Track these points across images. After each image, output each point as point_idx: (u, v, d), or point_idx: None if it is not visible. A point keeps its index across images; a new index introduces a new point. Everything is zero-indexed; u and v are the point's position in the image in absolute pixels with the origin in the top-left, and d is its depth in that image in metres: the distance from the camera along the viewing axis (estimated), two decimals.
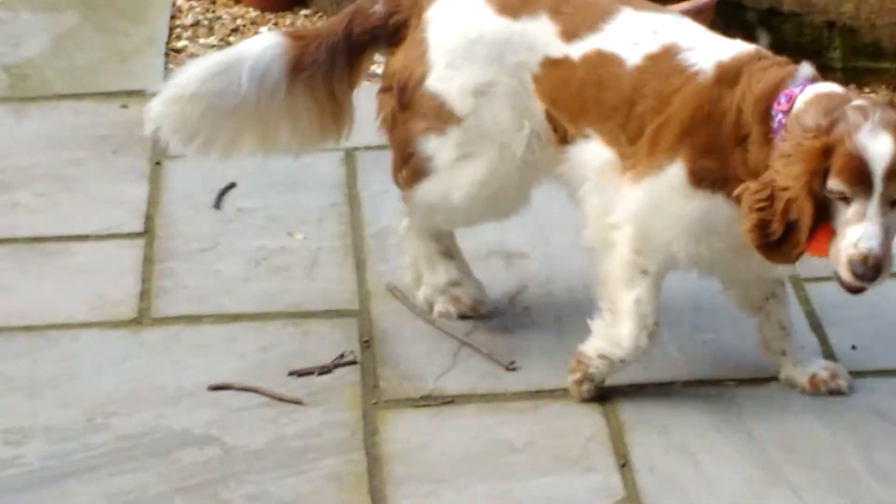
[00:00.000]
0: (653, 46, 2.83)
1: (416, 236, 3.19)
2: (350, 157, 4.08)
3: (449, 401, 3.12)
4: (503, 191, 3.05)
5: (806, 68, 2.81)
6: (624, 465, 2.91)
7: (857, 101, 2.77)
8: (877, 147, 2.61)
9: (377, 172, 3.95)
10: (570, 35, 2.87)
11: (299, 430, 3.02)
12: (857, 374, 3.13)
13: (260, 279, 3.54)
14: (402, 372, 3.19)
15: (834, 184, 2.59)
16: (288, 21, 4.74)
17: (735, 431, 3.05)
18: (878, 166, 2.59)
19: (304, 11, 4.77)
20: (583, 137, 2.88)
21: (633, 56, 2.83)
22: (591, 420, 2.97)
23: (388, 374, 3.20)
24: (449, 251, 3.23)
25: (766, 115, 2.74)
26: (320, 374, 3.21)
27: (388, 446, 2.97)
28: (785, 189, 2.62)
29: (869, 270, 2.61)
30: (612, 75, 2.82)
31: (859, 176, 2.59)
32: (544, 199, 3.52)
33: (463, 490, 2.85)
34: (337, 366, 3.21)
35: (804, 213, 2.63)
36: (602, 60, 2.83)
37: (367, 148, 4.04)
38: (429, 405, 3.11)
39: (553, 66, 2.87)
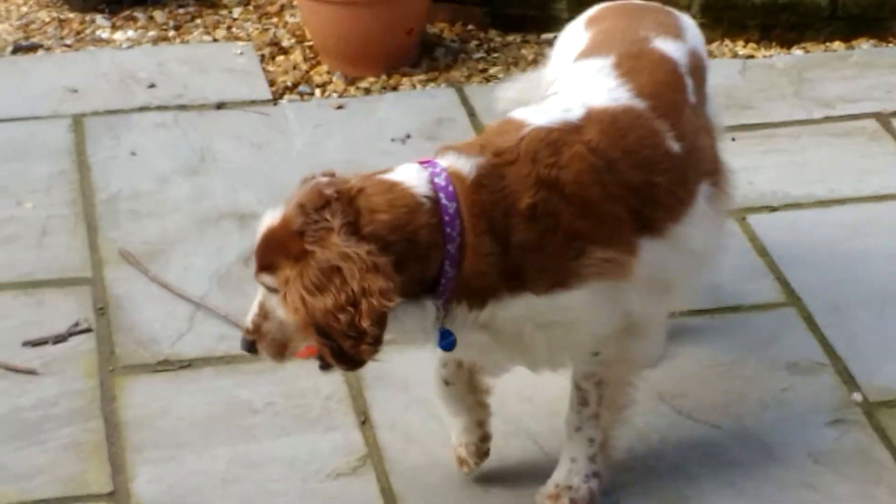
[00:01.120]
0: None
1: None
2: (78, 123, 3.87)
3: (186, 365, 3.01)
4: None
5: None
6: (364, 422, 2.84)
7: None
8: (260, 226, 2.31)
9: (106, 138, 3.78)
10: None
11: (35, 401, 2.87)
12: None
13: None
14: (137, 337, 3.07)
15: None
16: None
17: None
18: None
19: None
20: None
21: None
22: (329, 379, 2.86)
23: (124, 340, 3.08)
24: None
25: None
26: (55, 343, 3.05)
27: (126, 413, 2.85)
28: None
29: (245, 344, 2.33)
30: None
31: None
32: (280, 164, 3.50)
33: (203, 453, 2.75)
34: (72, 334, 3.07)
35: None
36: None
37: (95, 114, 3.88)
38: (167, 370, 2.99)
39: None
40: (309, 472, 2.69)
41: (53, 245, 3.31)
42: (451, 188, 2.20)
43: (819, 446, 2.81)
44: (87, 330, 3.00)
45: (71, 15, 4.31)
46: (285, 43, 4.16)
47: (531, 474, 2.74)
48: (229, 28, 4.22)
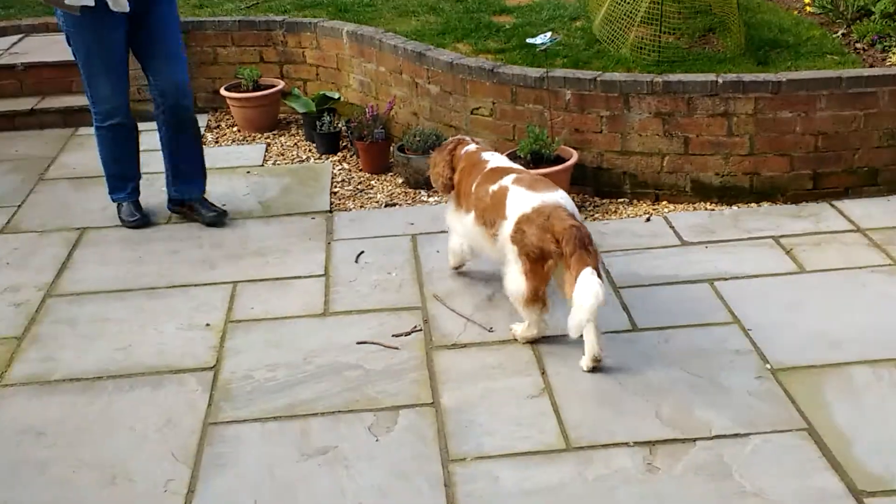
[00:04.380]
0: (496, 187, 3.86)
1: None
2: (413, 239, 4.69)
3: (463, 346, 3.75)
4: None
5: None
6: (543, 372, 3.55)
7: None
8: None
9: (427, 245, 4.53)
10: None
11: (398, 362, 3.63)
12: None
13: None
14: (442, 333, 3.84)
15: None
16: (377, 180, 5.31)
17: None
18: None
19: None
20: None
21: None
22: (531, 378, 3.57)
23: (437, 335, 3.84)
24: None
25: None
26: (406, 335, 3.82)
27: (435, 369, 3.61)
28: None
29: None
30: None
31: None
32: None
33: (460, 389, 3.47)
34: (413, 331, 3.86)
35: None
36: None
37: (422, 234, 4.71)
38: (456, 348, 3.75)
39: None
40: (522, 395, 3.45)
41: (405, 292, 4.18)
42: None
43: None
44: (420, 330, 3.89)
45: (410, 191, 5.17)
46: None
47: None
48: None
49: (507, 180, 3.80)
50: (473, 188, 3.89)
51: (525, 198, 3.69)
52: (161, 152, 4.85)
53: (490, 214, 3.81)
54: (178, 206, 4.91)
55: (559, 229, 3.56)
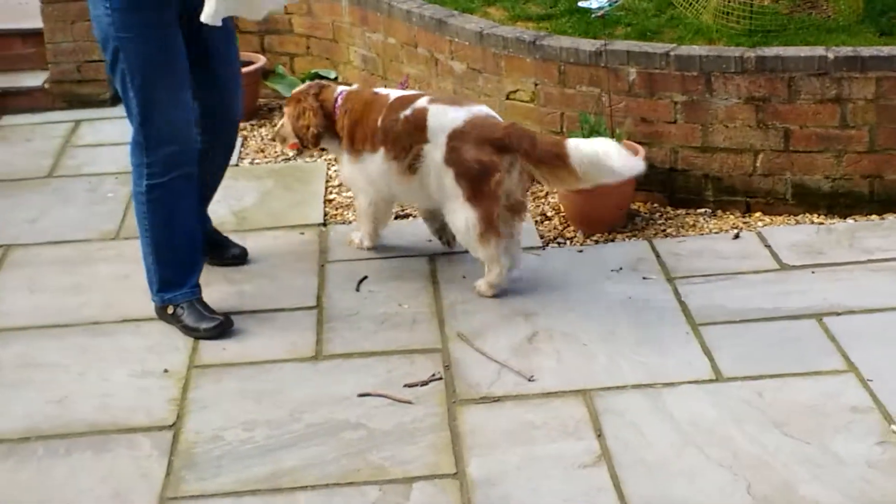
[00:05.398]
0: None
1: None
2: (432, 259, 4.83)
3: (496, 399, 3.80)
4: None
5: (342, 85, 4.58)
6: (599, 435, 3.59)
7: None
8: None
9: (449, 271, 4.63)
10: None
11: (411, 418, 3.71)
12: None
13: None
14: (468, 382, 3.89)
15: None
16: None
17: None
18: None
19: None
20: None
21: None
22: (584, 442, 3.73)
23: (460, 384, 3.90)
24: None
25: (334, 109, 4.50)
26: (422, 385, 3.88)
27: (462, 426, 3.63)
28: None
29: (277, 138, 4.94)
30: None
31: None
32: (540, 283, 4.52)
33: (488, 458, 3.51)
34: (431, 380, 3.90)
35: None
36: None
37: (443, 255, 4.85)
38: (485, 402, 3.77)
39: None
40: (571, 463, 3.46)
41: (420, 330, 4.26)
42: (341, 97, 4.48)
43: None
44: (440, 378, 3.91)
45: None
46: (549, 213, 5.15)
47: None
48: None
49: (422, 102, 4.32)
50: (379, 122, 4.32)
51: (451, 113, 4.23)
52: None
53: (405, 141, 4.28)
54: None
55: (500, 134, 4.14)
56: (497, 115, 4.37)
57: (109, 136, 6.05)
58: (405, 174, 4.31)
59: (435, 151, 4.24)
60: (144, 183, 4.10)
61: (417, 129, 4.27)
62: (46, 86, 6.46)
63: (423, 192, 4.35)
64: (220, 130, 4.28)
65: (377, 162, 4.36)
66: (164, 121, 4.03)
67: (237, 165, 5.76)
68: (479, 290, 4.35)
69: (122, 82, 4.01)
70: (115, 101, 6.41)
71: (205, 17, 3.92)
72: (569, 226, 5.00)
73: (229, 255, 4.60)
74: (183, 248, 4.21)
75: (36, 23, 6.39)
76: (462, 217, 4.21)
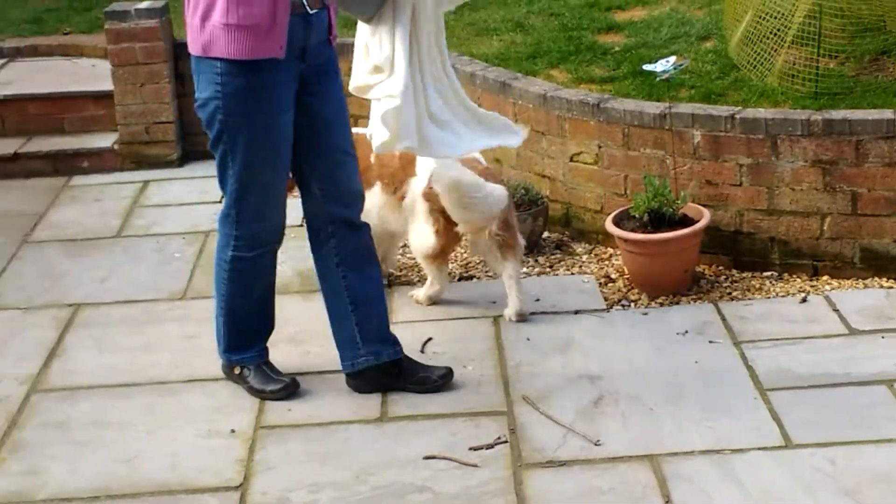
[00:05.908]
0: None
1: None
2: (496, 322, 4.87)
3: (562, 464, 3.84)
4: None
5: None
6: (667, 502, 3.62)
7: None
8: None
9: (512, 330, 4.69)
10: None
11: (477, 482, 3.78)
12: None
13: None
14: (533, 446, 3.91)
15: None
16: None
17: None
18: None
19: None
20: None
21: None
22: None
23: (526, 447, 3.91)
24: None
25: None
26: (488, 448, 3.92)
27: (530, 491, 3.67)
28: None
29: None
30: None
31: None
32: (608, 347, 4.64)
33: None
34: (497, 444, 3.93)
35: None
36: None
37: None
38: (552, 466, 3.80)
39: None
40: None
41: (485, 392, 4.29)
42: None
43: None
44: (505, 441, 3.97)
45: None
46: (613, 275, 5.16)
47: None
48: (580, 266, 5.28)
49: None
50: (373, 159, 4.62)
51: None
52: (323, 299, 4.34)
53: (399, 176, 4.64)
54: (357, 377, 4.24)
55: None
56: (482, 160, 4.80)
57: (177, 196, 6.26)
58: (395, 207, 4.82)
59: (419, 183, 4.65)
60: (230, 253, 4.14)
61: (408, 164, 4.67)
62: (116, 147, 6.66)
63: (401, 221, 4.80)
64: (337, 207, 4.26)
65: (375, 195, 4.90)
66: (258, 200, 4.04)
67: (301, 225, 5.78)
68: (414, 298, 4.82)
69: (221, 160, 4.03)
70: (182, 161, 6.71)
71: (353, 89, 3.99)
72: (633, 288, 5.02)
73: (436, 378, 4.36)
74: (255, 316, 4.27)
75: (106, 85, 6.57)
76: (422, 239, 4.70)
